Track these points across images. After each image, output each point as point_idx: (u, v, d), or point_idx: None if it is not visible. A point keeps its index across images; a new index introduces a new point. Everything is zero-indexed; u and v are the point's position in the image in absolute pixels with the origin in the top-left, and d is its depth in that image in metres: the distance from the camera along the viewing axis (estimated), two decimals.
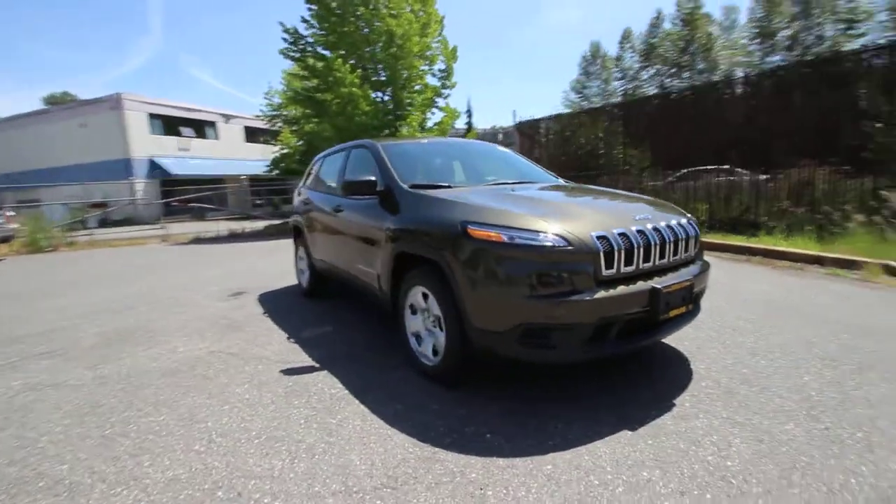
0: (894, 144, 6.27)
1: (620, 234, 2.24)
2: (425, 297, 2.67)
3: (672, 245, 2.43)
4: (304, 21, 13.59)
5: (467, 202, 2.56)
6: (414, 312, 2.83)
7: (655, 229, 2.38)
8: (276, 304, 4.77)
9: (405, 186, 3.04)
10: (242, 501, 1.74)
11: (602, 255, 2.16)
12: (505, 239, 2.20)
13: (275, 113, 23.14)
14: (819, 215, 6.39)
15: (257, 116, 25.26)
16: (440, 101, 15.03)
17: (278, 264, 7.32)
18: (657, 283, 2.27)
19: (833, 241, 5.70)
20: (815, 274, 5.06)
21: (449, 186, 3.09)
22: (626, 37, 35.46)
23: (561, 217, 2.34)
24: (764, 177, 8.04)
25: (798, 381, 2.54)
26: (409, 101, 14.31)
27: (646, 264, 2.32)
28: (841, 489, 1.66)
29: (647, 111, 10.82)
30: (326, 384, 2.74)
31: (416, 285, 2.72)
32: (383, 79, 14.03)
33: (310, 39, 13.90)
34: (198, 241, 12.48)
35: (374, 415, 2.35)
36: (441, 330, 2.56)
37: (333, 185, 4.19)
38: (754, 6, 30.50)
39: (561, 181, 3.79)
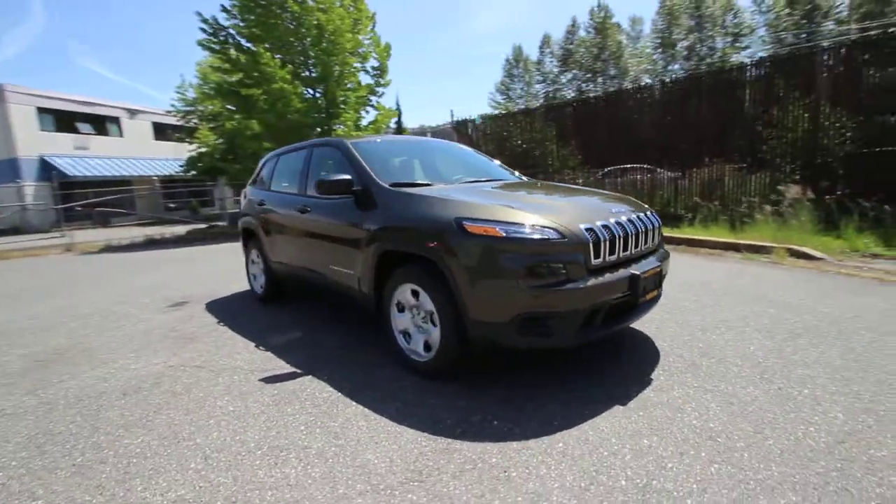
0: (785, 146, 7.27)
1: (603, 226, 2.43)
2: (415, 293, 2.69)
3: (644, 235, 2.67)
4: (225, 10, 12.79)
5: (457, 199, 2.61)
6: (401, 310, 2.83)
7: (629, 221, 2.60)
8: (230, 313, 4.49)
9: (385, 185, 3.02)
10: None
11: (591, 245, 2.33)
12: (502, 233, 2.29)
13: (189, 108, 21.47)
14: (730, 207, 7.24)
15: (168, 112, 23.27)
16: (374, 100, 14.89)
17: (218, 270, 6.87)
18: (635, 269, 2.49)
19: (744, 230, 6.49)
20: (733, 259, 5.74)
21: (429, 184, 3.12)
22: (545, 42, 37.32)
23: (549, 211, 2.48)
24: (679, 174, 8.92)
25: (745, 350, 2.90)
26: (342, 98, 14.00)
27: (624, 253, 2.53)
28: (804, 437, 1.95)
29: (573, 113, 11.49)
30: (315, 389, 2.67)
31: (405, 283, 2.74)
32: (314, 75, 13.60)
33: (232, 31, 13.11)
34: (110, 249, 11.28)
35: (377, 414, 2.34)
36: (434, 325, 2.60)
37: (294, 184, 4.04)
38: (657, 18, 33.54)
39: (525, 178, 3.96)
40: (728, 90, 8.45)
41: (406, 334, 2.84)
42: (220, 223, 14.52)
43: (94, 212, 17.30)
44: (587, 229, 2.35)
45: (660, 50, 33.50)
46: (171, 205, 25.84)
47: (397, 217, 2.79)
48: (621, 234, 2.49)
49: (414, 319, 2.77)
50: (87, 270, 8.02)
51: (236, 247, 5.76)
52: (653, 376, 2.59)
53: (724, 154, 8.14)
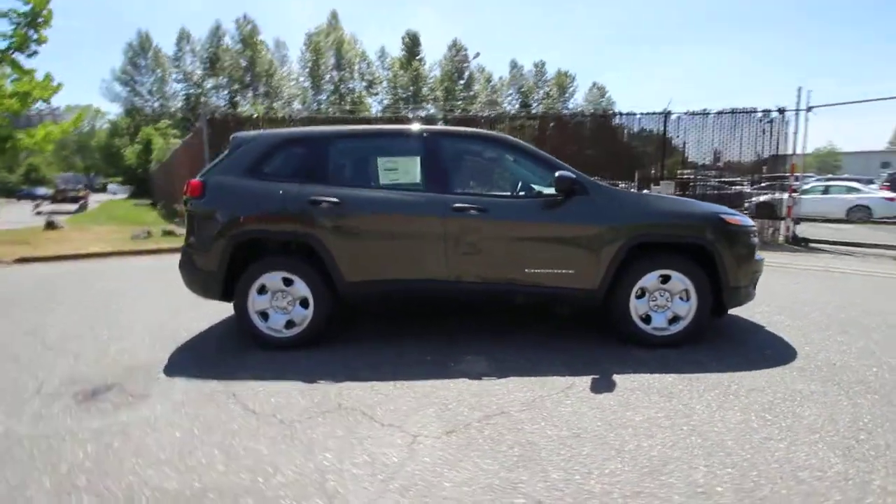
0: None
1: None
2: (663, 278, 3.16)
3: None
4: None
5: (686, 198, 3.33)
6: (639, 296, 3.18)
7: None
8: (273, 371, 2.87)
9: (604, 184, 3.24)
10: None
11: None
12: (742, 222, 3.26)
13: None
14: None
15: None
16: (22, 62, 10.00)
17: (62, 325, 3.50)
18: None
19: None
20: None
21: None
22: (183, 37, 32.81)
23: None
24: None
25: None
26: None
27: None
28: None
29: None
30: (658, 383, 2.69)
31: (655, 269, 3.14)
32: None
33: None
34: None
35: (736, 384, 2.77)
36: (684, 301, 3.17)
37: (429, 182, 3.30)
38: (304, 49, 35.92)
39: None
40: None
41: (644, 317, 3.20)
42: None
43: None
44: None
45: (308, 79, 36.07)
46: None
47: (651, 214, 3.16)
48: None
49: (656, 302, 3.20)
50: None
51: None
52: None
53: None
